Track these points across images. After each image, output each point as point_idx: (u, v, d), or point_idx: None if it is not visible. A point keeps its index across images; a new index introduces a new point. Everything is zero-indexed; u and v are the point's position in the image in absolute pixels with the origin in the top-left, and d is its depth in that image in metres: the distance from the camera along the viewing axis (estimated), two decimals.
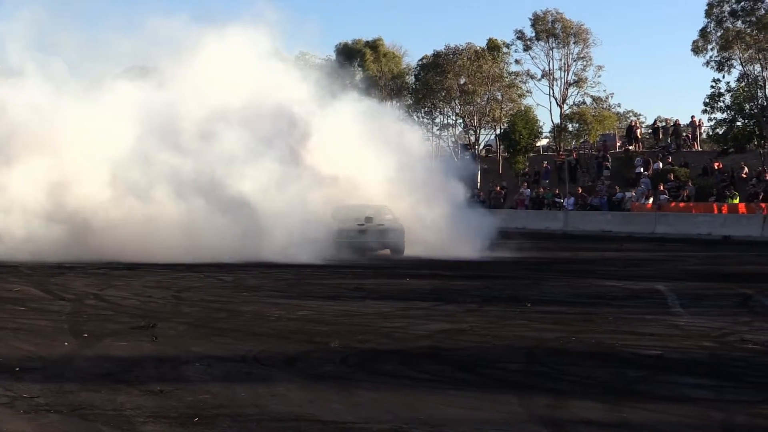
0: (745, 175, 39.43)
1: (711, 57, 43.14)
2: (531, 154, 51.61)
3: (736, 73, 43.30)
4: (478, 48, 52.74)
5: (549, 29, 50.67)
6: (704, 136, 48.37)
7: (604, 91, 52.29)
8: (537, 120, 51.70)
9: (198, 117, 24.83)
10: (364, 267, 21.14)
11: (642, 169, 43.00)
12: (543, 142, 55.33)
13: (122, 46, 27.38)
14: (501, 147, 53.30)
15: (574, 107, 51.48)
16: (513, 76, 53.34)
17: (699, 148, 47.09)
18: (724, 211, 35.66)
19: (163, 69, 27.30)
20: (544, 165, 48.91)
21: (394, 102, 54.51)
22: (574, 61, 50.92)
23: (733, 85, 43.74)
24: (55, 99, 24.60)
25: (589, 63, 50.96)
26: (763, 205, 34.91)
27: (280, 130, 25.17)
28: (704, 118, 45.98)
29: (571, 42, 50.68)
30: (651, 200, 38.83)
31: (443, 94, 53.30)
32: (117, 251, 21.32)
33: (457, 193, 27.90)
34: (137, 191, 23.20)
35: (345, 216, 24.65)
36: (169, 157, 23.88)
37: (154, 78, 26.86)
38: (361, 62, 57.88)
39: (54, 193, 23.15)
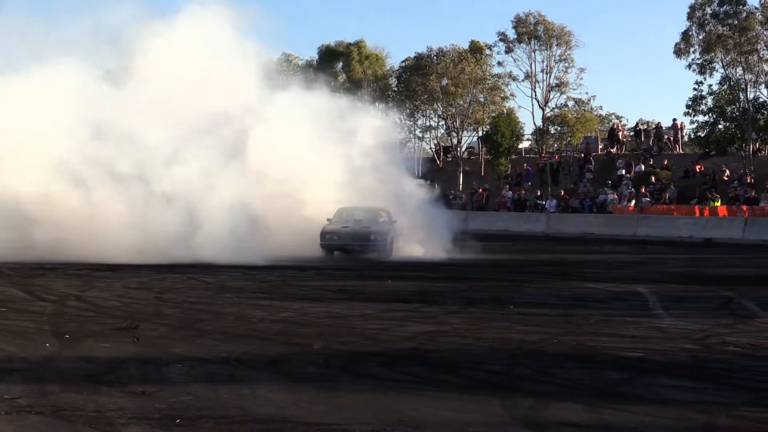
0: (726, 178, 39.61)
1: (693, 60, 43.26)
2: (513, 157, 51.57)
3: (718, 75, 43.46)
4: (461, 50, 52.69)
5: (531, 31, 50.65)
6: (686, 138, 48.52)
7: (586, 93, 52.31)
8: (519, 122, 51.76)
9: (139, 110, 24.26)
10: (347, 269, 21.10)
11: (624, 172, 43.12)
12: (525, 144, 55.34)
13: (72, 35, 26.31)
14: (483, 149, 53.28)
15: (556, 110, 51.52)
16: (495, 78, 53.32)
17: (681, 151, 47.24)
18: (705, 214, 35.81)
19: (109, 60, 26.94)
20: (525, 167, 49.01)
21: (377, 104, 54.41)
22: (557, 63, 50.96)
23: (715, 87, 43.87)
24: None
25: (571, 65, 50.98)
26: (744, 207, 35.10)
27: (223, 126, 24.75)
28: (686, 120, 46.13)
29: (554, 44, 50.70)
30: (633, 203, 38.96)
31: (425, 96, 53.23)
32: (55, 246, 21.04)
33: (414, 189, 27.59)
34: (74, 183, 22.72)
35: (338, 218, 24.39)
36: (103, 149, 23.37)
37: (98, 69, 26.47)
38: (345, 64, 57.71)
39: None
